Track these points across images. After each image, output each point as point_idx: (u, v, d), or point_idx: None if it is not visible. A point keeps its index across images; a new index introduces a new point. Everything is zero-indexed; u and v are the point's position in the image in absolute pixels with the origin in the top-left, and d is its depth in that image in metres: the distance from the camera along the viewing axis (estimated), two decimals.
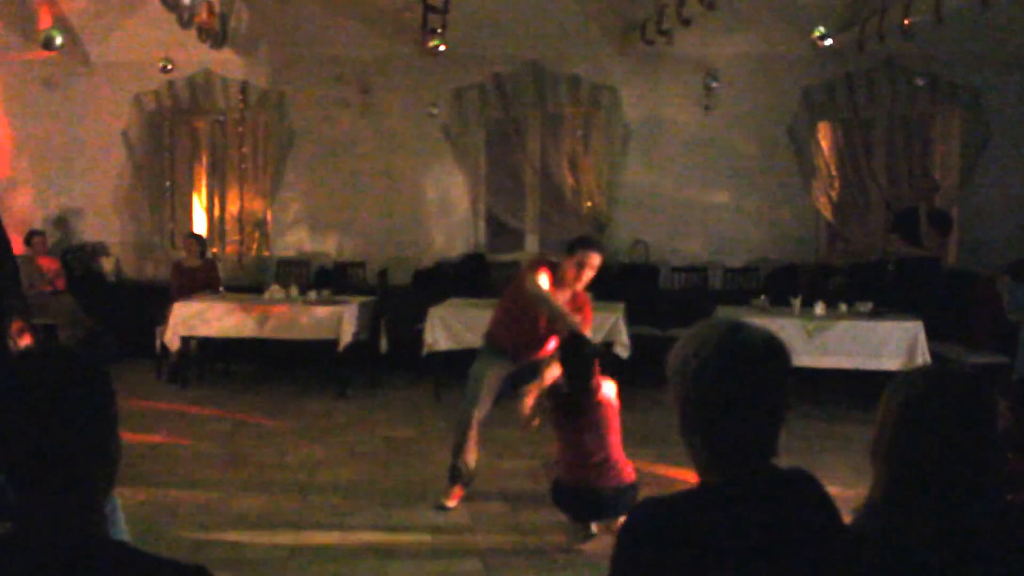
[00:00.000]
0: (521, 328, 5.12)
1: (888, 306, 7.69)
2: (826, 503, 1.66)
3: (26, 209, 9.93)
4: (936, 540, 1.68)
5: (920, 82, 9.38)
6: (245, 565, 4.32)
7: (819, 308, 7.48)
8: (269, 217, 10.37)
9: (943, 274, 8.42)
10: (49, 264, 9.25)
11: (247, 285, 9.47)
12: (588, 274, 4.93)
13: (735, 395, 1.59)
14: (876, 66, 9.45)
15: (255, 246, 10.38)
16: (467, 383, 5.23)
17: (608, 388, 4.56)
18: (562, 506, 4.57)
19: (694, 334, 1.66)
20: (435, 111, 9.77)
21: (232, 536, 4.70)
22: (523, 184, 10.13)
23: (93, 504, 1.44)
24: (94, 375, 1.47)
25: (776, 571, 1.55)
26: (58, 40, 8.12)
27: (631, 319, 7.87)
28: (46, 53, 8.48)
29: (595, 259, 4.93)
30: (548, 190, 10.08)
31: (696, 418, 1.63)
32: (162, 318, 8.27)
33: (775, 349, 1.64)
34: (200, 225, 10.39)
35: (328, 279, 9.61)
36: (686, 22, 7.99)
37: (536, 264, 4.98)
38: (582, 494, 4.45)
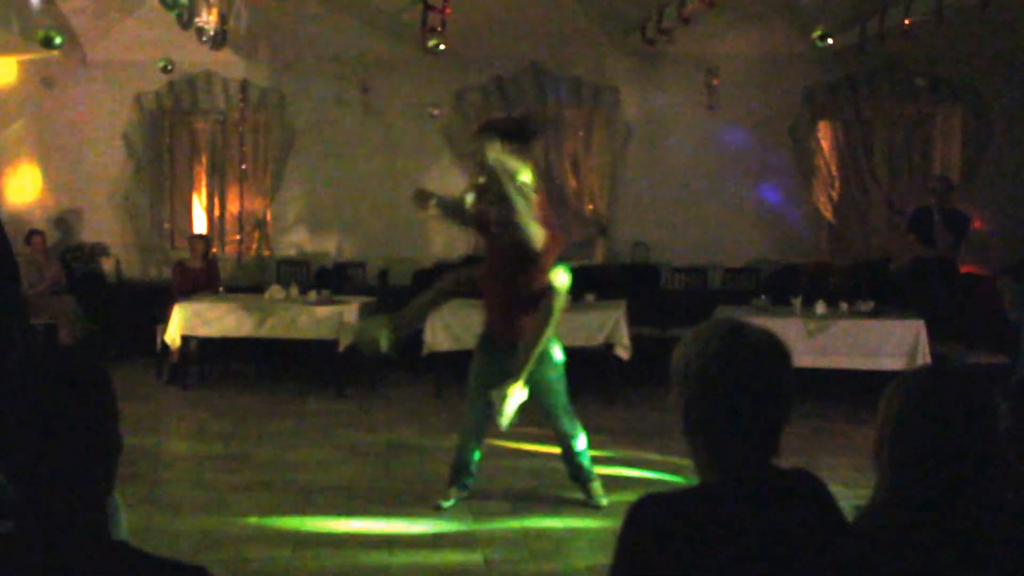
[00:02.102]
0: (492, 289, 4.97)
1: (896, 306, 7.67)
2: (828, 503, 1.66)
3: (26, 209, 9.94)
4: (938, 540, 1.68)
5: (920, 82, 9.37)
6: (246, 565, 4.32)
7: (819, 308, 7.49)
8: (269, 217, 10.37)
9: (958, 275, 8.39)
10: (49, 264, 9.24)
11: (247, 285, 9.46)
12: None
13: (737, 395, 1.60)
14: (877, 66, 9.45)
15: (255, 246, 10.37)
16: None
17: None
18: None
19: (696, 335, 1.67)
20: (436, 112, 9.77)
21: (233, 536, 4.70)
22: None
23: (94, 503, 1.44)
24: (94, 375, 1.47)
25: (778, 571, 1.55)
26: (57, 40, 8.12)
27: (632, 319, 7.87)
28: (46, 53, 8.50)
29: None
30: (549, 191, 10.01)
31: (698, 418, 1.63)
32: (163, 318, 8.26)
33: (776, 349, 1.65)
34: (200, 225, 10.39)
35: (328, 279, 9.61)
36: (686, 21, 7.99)
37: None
38: None
